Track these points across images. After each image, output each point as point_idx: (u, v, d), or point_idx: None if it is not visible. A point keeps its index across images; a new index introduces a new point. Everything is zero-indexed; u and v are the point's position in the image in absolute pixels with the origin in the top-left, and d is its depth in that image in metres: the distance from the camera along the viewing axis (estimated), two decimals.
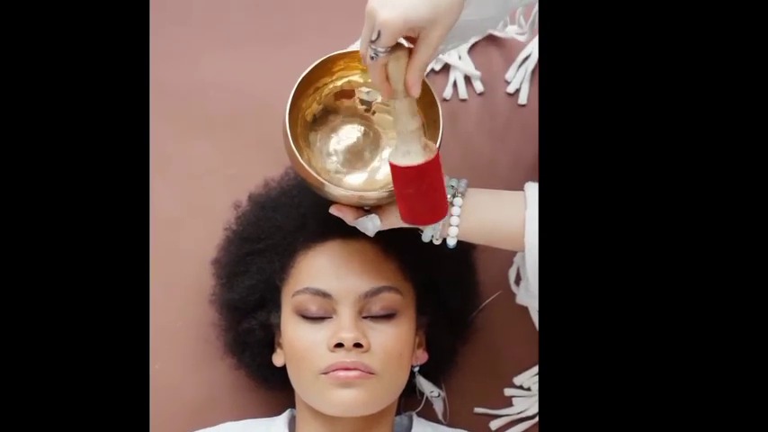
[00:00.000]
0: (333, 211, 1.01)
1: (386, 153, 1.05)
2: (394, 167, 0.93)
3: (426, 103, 1.01)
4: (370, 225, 1.00)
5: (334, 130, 1.05)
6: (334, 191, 0.98)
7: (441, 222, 0.99)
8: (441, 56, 1.25)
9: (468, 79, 1.26)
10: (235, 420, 1.16)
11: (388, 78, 0.91)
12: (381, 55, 0.89)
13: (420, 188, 0.94)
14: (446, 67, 1.27)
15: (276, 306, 1.11)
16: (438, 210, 0.96)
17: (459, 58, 1.26)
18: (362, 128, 1.06)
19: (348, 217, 1.01)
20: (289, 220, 1.11)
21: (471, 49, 1.27)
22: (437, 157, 0.94)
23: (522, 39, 1.22)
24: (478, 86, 1.26)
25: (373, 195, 0.98)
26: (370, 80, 1.03)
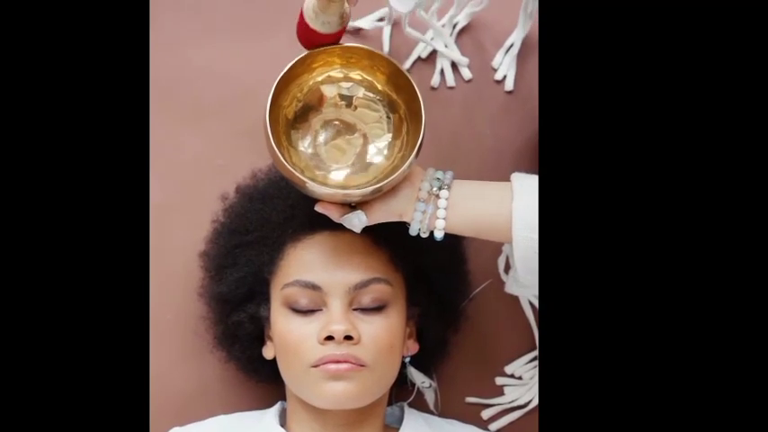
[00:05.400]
0: (318, 208, 1.01)
1: (371, 149, 1.05)
2: (309, 28, 0.99)
3: (408, 98, 1.00)
4: (357, 221, 1.00)
5: (316, 126, 1.04)
6: (317, 189, 0.97)
7: (427, 215, 0.99)
8: (426, 43, 1.24)
9: (455, 67, 1.25)
10: (225, 413, 1.16)
11: None
12: None
13: (318, 42, 1.01)
14: (433, 56, 1.26)
15: (265, 299, 1.10)
16: (308, 44, 1.02)
17: (446, 45, 1.25)
18: (343, 124, 1.05)
19: (334, 214, 1.00)
20: (277, 211, 1.11)
21: (458, 37, 1.26)
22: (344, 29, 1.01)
23: None
24: (466, 73, 1.25)
25: (357, 193, 0.98)
26: (350, 74, 1.03)
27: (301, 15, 0.99)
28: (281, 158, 0.97)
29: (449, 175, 1.00)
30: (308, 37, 1.01)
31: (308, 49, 1.02)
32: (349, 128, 1.05)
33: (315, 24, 0.98)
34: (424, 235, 1.00)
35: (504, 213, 0.97)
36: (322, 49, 1.01)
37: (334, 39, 1.01)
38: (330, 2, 0.96)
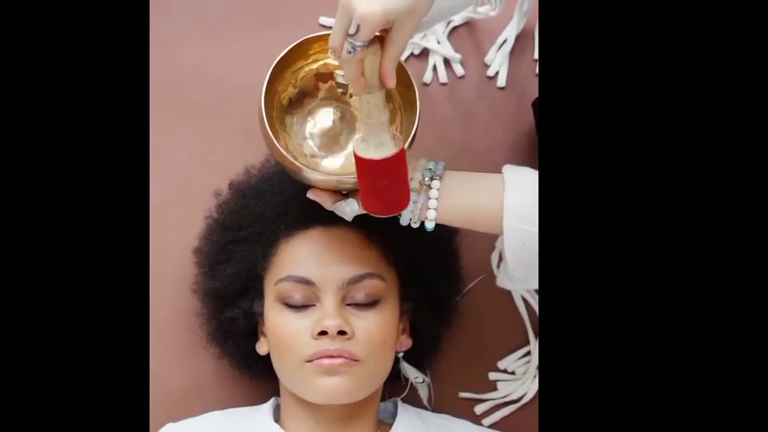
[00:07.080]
0: (310, 195, 1.01)
1: None
2: (365, 161, 0.92)
3: (403, 88, 1.01)
4: (348, 209, 1.00)
5: (311, 113, 1.05)
6: (311, 176, 0.98)
7: (418, 205, 0.99)
8: (419, 41, 1.24)
9: (447, 63, 1.26)
10: (219, 409, 1.16)
11: (362, 72, 0.90)
12: (359, 50, 0.88)
13: (393, 178, 0.94)
14: (425, 52, 1.26)
15: (259, 294, 1.10)
16: (404, 198, 0.96)
17: (438, 42, 1.25)
18: (339, 111, 1.05)
19: (326, 201, 1.01)
20: (270, 207, 1.11)
21: (450, 34, 1.26)
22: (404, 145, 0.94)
23: (494, 14, 1.22)
24: (459, 70, 1.25)
25: (351, 180, 0.98)
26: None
27: (358, 163, 0.92)
28: (276, 144, 0.97)
29: (441, 165, 1.01)
30: (373, 178, 0.92)
31: (384, 211, 0.96)
32: (343, 116, 1.05)
33: (368, 153, 0.92)
34: (415, 225, 1.00)
35: (496, 204, 0.97)
36: (318, 35, 1.00)
37: (399, 160, 0.93)
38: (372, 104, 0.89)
